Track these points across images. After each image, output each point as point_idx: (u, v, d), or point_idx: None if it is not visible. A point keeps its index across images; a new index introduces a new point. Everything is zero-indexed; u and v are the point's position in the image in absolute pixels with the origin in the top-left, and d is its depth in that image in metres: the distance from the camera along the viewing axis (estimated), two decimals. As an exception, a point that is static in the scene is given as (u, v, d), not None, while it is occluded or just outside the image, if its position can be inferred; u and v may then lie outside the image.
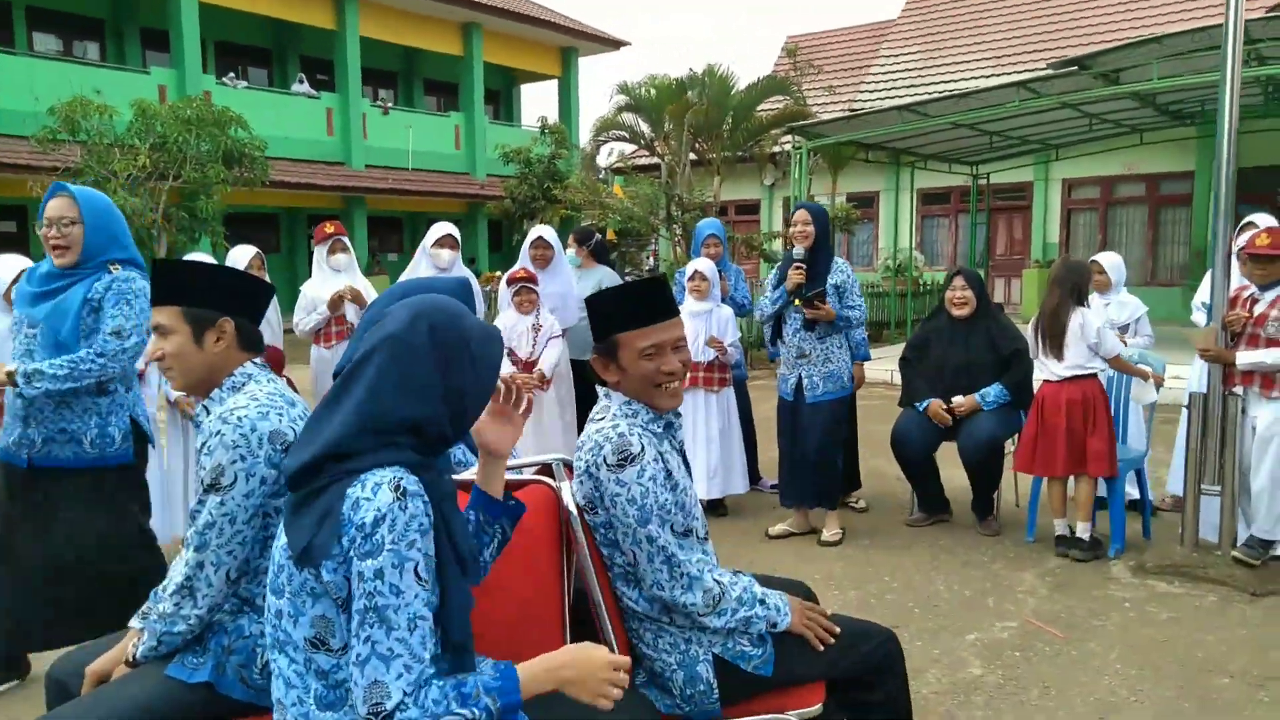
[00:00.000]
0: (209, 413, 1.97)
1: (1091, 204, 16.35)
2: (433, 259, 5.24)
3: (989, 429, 4.66)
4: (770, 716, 2.09)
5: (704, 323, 5.17)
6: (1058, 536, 4.49)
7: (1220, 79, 4.16)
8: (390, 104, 21.58)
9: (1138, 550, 4.45)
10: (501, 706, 1.48)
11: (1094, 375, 4.39)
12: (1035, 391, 4.60)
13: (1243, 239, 4.21)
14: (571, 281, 5.55)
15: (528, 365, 5.24)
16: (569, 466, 2.14)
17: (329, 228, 5.51)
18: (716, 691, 2.06)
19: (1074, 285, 4.37)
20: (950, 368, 4.82)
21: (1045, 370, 4.46)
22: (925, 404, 4.80)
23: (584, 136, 19.43)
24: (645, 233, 19.60)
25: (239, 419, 1.88)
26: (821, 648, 2.08)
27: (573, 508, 2.05)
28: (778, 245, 16.69)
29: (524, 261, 5.44)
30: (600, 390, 2.16)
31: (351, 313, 5.31)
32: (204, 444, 1.89)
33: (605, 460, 1.98)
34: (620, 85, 13.89)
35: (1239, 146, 14.40)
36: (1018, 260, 17.12)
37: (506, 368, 5.28)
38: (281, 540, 1.54)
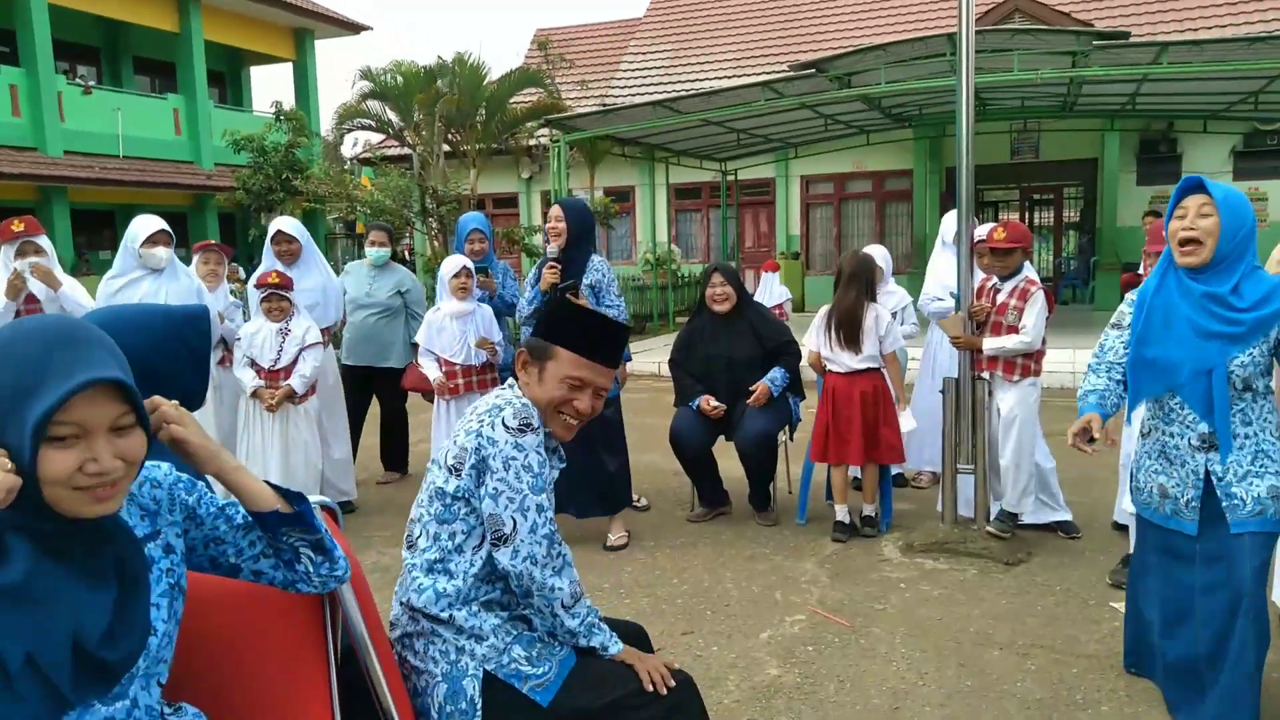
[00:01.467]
0: None
1: (827, 199, 17.56)
2: (145, 260, 4.48)
3: (763, 423, 4.69)
4: None
5: (470, 323, 4.83)
6: (837, 522, 4.61)
7: (957, 83, 4.39)
8: (93, 83, 19.02)
9: (904, 529, 4.67)
10: None
11: (879, 368, 4.54)
12: (821, 383, 4.69)
13: (981, 233, 4.50)
14: (329, 274, 5.01)
15: (272, 375, 4.65)
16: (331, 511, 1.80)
17: (17, 224, 4.60)
18: (480, 714, 1.79)
19: (867, 280, 4.49)
20: (719, 364, 4.80)
21: (836, 363, 4.56)
22: (696, 401, 4.77)
23: (325, 124, 18.18)
24: (399, 226, 18.72)
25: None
26: (650, 687, 1.85)
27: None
28: (538, 240, 16.51)
29: (268, 260, 4.82)
30: (507, 382, 2.08)
31: (41, 291, 4.44)
32: None
33: (504, 421, 1.90)
34: (363, 70, 13.07)
35: (948, 148, 15.94)
36: (765, 252, 18.05)
37: (249, 377, 4.66)
38: None
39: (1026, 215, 18.62)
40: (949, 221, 5.08)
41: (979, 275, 4.42)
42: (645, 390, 8.73)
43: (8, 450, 1.16)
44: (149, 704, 1.34)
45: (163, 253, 4.50)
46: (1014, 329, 4.25)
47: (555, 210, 4.49)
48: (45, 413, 1.15)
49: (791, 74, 10.00)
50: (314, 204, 16.26)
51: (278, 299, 4.66)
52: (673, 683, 1.91)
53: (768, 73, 17.20)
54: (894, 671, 3.23)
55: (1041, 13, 14.23)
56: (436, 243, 15.02)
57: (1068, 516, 4.61)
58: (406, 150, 15.63)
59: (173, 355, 1.79)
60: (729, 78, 17.52)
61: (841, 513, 4.62)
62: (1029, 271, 4.34)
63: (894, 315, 5.28)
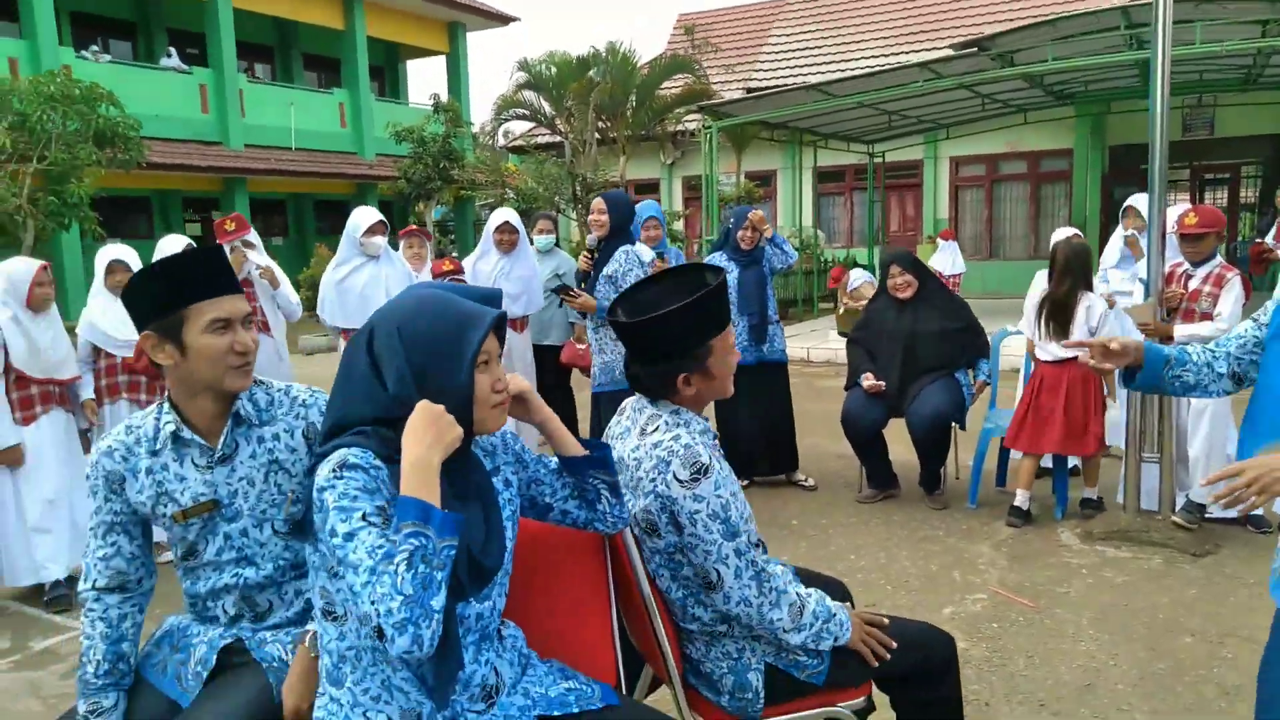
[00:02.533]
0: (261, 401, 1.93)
1: (978, 181, 17.04)
2: (365, 248, 4.94)
3: (936, 404, 4.75)
4: (818, 711, 2.04)
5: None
6: (1014, 507, 4.63)
7: (1152, 57, 4.30)
8: (267, 79, 20.50)
9: (1081, 517, 4.64)
10: (414, 521, 1.37)
11: None
12: (1030, 371, 4.72)
13: (1170, 219, 4.40)
14: (535, 266, 5.39)
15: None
16: None
17: (229, 225, 5.03)
18: (762, 701, 2.00)
19: (1082, 269, 4.45)
20: (899, 339, 4.89)
21: (1045, 351, 4.55)
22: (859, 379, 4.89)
23: (475, 113, 18.99)
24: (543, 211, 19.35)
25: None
26: (876, 664, 2.03)
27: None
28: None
29: (487, 246, 5.25)
30: (632, 402, 2.03)
31: (262, 294, 4.95)
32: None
33: (675, 476, 1.83)
34: (520, 62, 13.60)
35: (1114, 125, 15.19)
36: (910, 236, 17.70)
37: None
38: None
39: (1197, 196, 17.48)
40: (1133, 204, 4.95)
41: (1169, 260, 4.34)
42: (795, 375, 8.82)
43: (446, 399, 1.48)
44: (499, 609, 1.67)
45: (380, 240, 4.94)
46: (1207, 316, 4.16)
47: (598, 203, 4.56)
48: (479, 341, 1.51)
49: (952, 53, 9.80)
50: (469, 191, 17.03)
51: (460, 281, 5.05)
52: (893, 645, 2.05)
53: (913, 53, 16.79)
54: (1083, 651, 3.28)
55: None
56: (583, 229, 15.50)
57: (1259, 510, 4.47)
58: (556, 138, 16.15)
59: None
60: (874, 58, 17.20)
61: (1022, 498, 4.63)
62: (1222, 257, 4.23)
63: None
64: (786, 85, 16.40)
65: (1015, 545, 4.37)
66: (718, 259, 5.25)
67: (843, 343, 10.42)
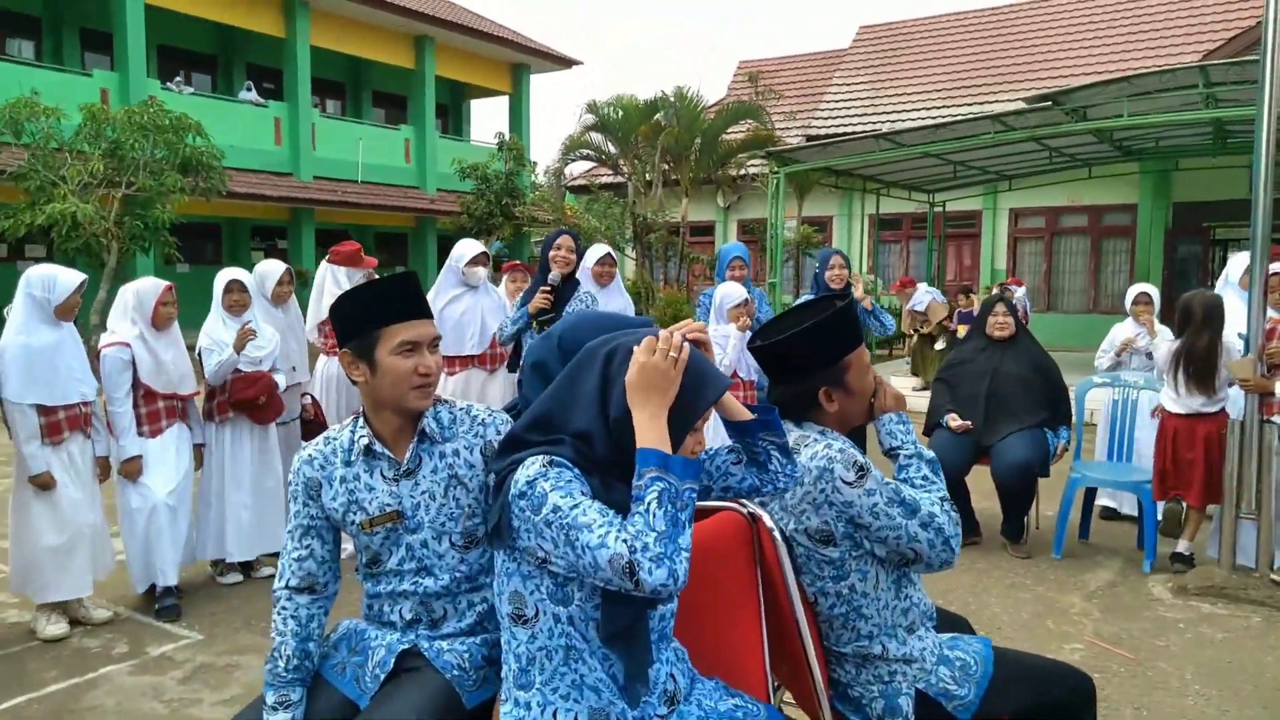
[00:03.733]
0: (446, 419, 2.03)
1: (1037, 233, 16.96)
2: (467, 278, 5.10)
3: (1022, 452, 4.75)
4: None
5: (741, 345, 5.18)
6: (1177, 554, 4.67)
7: (1257, 113, 4.32)
8: (337, 114, 21.17)
9: (1173, 572, 4.59)
10: (655, 467, 1.51)
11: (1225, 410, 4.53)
12: (1159, 422, 4.75)
13: (1275, 269, 4.40)
14: (629, 299, 5.55)
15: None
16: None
17: (352, 249, 5.24)
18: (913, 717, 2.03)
19: (1221, 321, 4.45)
20: (985, 378, 4.94)
21: (1179, 404, 4.56)
22: (944, 419, 4.91)
23: (535, 152, 19.39)
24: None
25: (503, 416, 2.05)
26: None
27: (772, 525, 2.01)
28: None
29: (585, 279, 5.38)
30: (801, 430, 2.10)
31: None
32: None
33: (843, 480, 1.93)
34: (589, 105, 13.93)
35: (1179, 182, 15.00)
36: (967, 285, 17.61)
37: None
38: None
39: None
40: (1236, 262, 4.94)
41: (1270, 314, 4.33)
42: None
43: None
44: (673, 610, 1.78)
45: (481, 271, 5.11)
46: (1309, 372, 4.14)
47: (565, 240, 4.63)
48: (714, 400, 1.67)
49: (1025, 106, 9.86)
50: (527, 227, 17.36)
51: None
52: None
53: (967, 104, 16.87)
54: (1191, 705, 3.25)
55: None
56: (643, 269, 15.69)
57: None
58: (619, 179, 16.44)
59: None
60: (933, 108, 17.31)
61: (1184, 546, 4.67)
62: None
63: None
64: (846, 132, 16.56)
65: (1106, 598, 4.33)
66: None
67: (908, 384, 10.42)
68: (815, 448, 1.99)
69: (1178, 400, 4.56)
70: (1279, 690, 3.37)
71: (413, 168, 22.09)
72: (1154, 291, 5.63)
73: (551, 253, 4.64)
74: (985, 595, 4.36)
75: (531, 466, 1.59)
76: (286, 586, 1.97)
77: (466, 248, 5.13)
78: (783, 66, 22.35)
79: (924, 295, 10.96)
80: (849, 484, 1.93)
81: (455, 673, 1.91)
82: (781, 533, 2.02)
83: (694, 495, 1.52)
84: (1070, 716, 2.13)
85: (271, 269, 4.81)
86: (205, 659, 3.66)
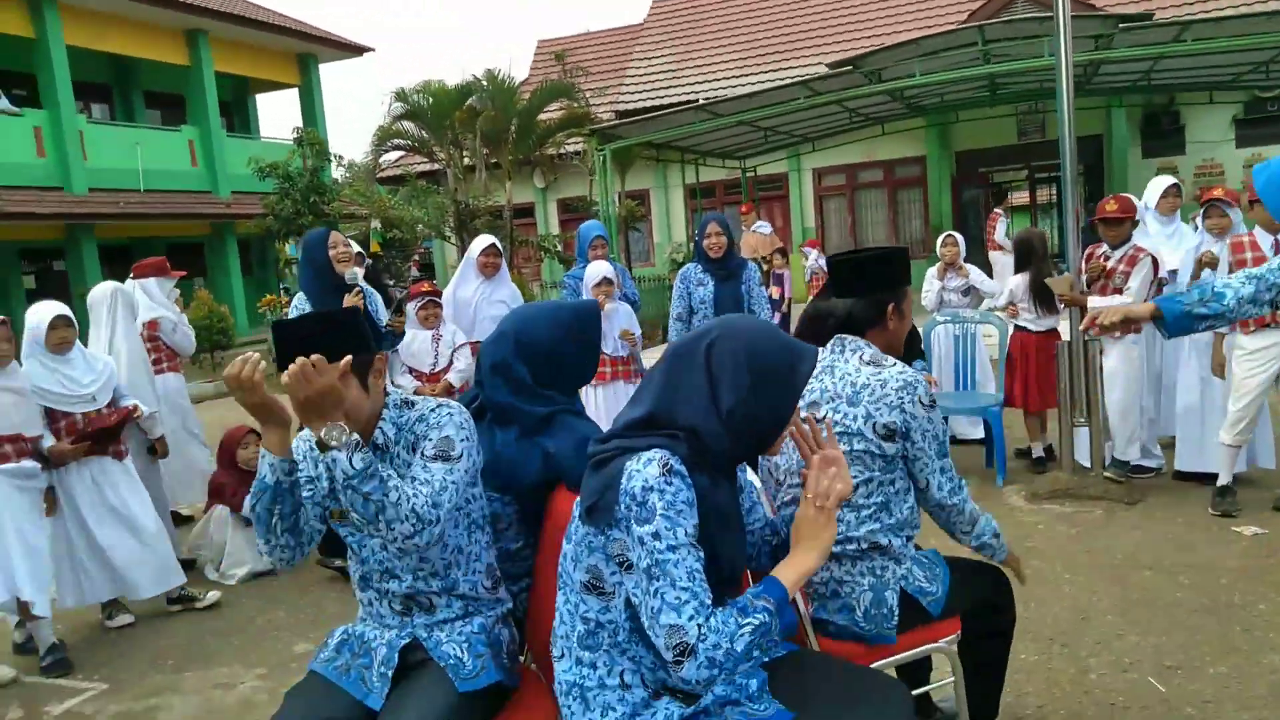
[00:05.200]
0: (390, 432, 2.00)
1: (840, 190, 18.05)
2: (481, 269, 5.21)
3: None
4: (938, 644, 2.31)
5: (613, 321, 5.26)
6: (1038, 458, 5.43)
7: (1056, 64, 4.86)
8: (106, 119, 19.32)
9: (1024, 480, 5.13)
10: (776, 602, 1.62)
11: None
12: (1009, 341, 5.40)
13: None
14: (515, 291, 5.52)
15: (432, 378, 5.07)
16: None
17: (159, 260, 5.52)
18: (896, 619, 2.22)
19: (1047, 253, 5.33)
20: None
21: (1037, 324, 5.27)
22: None
23: (336, 145, 18.55)
24: (411, 242, 19.05)
25: (458, 408, 2.01)
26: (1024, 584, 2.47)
27: (758, 483, 2.20)
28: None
29: (469, 270, 5.28)
30: (831, 344, 2.33)
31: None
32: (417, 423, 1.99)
33: (921, 399, 2.20)
34: (397, 93, 13.44)
35: (959, 133, 16.31)
36: (781, 247, 18.50)
37: (409, 383, 5.07)
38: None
39: (1034, 193, 19.14)
40: (1154, 186, 5.26)
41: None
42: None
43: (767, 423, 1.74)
44: None
45: (496, 263, 5.29)
46: (1119, 291, 4.71)
47: (336, 236, 4.68)
48: (808, 375, 1.77)
49: (829, 72, 10.46)
50: (345, 225, 16.60)
51: (434, 305, 5.07)
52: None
53: (770, 71, 17.68)
54: (1068, 593, 3.67)
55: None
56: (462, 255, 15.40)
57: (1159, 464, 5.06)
58: (434, 166, 16.02)
59: (575, 342, 2.25)
60: (734, 77, 17.99)
61: (1036, 449, 5.44)
62: (1138, 240, 4.79)
63: None
64: (654, 105, 16.91)
65: (973, 512, 4.78)
66: (692, 271, 5.17)
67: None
68: (900, 367, 2.25)
69: (1036, 320, 5.24)
70: (1131, 569, 3.87)
71: (201, 171, 20.53)
72: (959, 235, 6.18)
73: (331, 252, 4.56)
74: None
75: (650, 467, 1.61)
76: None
77: (480, 241, 5.29)
78: (583, 44, 22.45)
79: (764, 225, 11.46)
80: (924, 405, 2.20)
81: (453, 662, 1.92)
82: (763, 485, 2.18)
83: (775, 645, 1.64)
84: (1003, 604, 2.46)
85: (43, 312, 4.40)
86: (119, 707, 3.38)
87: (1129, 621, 3.38)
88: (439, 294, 5.12)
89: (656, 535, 1.57)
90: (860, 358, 2.27)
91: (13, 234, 16.78)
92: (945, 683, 2.45)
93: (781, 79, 14.33)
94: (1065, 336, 4.88)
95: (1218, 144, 15.26)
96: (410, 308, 5.16)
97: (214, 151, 20.48)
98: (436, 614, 1.98)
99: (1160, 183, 5.26)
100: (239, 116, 23.82)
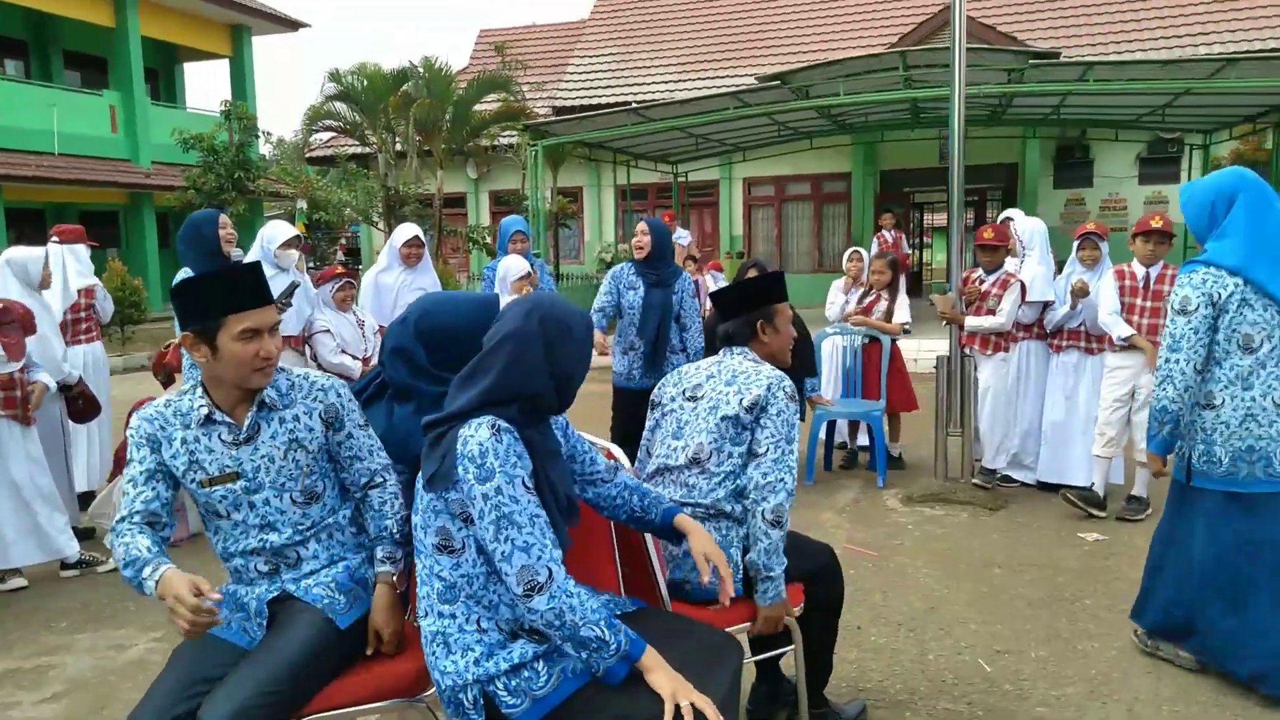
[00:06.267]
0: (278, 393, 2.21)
1: (768, 200, 18.50)
2: (279, 260, 4.88)
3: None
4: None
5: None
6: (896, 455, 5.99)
7: (950, 93, 5.19)
8: (20, 77, 18.60)
9: (902, 485, 5.49)
10: (625, 652, 1.82)
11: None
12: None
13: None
14: (436, 278, 5.60)
15: (365, 362, 5.16)
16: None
17: (78, 228, 5.48)
18: (742, 571, 2.50)
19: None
20: None
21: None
22: None
23: (266, 122, 18.22)
24: (337, 225, 18.86)
25: (341, 382, 2.29)
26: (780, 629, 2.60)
27: (625, 461, 2.46)
28: (489, 239, 16.95)
29: (393, 258, 5.36)
30: (734, 348, 2.69)
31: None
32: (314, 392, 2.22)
33: (785, 390, 2.52)
34: (331, 73, 13.37)
35: (885, 153, 16.95)
36: (709, 251, 18.88)
37: (351, 364, 5.13)
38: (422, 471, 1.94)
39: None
40: (1024, 224, 5.38)
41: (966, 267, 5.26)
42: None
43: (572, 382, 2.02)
44: None
45: (294, 255, 4.92)
46: (992, 312, 5.10)
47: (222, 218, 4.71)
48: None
49: (758, 84, 10.80)
50: (270, 203, 16.38)
51: (349, 287, 5.15)
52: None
53: (708, 79, 18.03)
54: (923, 585, 4.01)
55: (974, 28, 15.38)
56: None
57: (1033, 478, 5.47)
58: (365, 150, 15.91)
59: (474, 331, 2.45)
60: (673, 82, 18.29)
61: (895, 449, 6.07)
62: (1010, 267, 5.19)
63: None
64: (592, 104, 17.10)
65: (852, 511, 5.12)
66: (624, 272, 4.97)
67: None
68: (777, 372, 2.59)
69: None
70: (984, 566, 4.23)
71: (121, 138, 19.88)
72: (864, 251, 6.57)
73: (221, 231, 4.59)
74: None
75: (481, 430, 1.83)
76: (129, 520, 2.03)
77: (279, 230, 4.95)
78: (525, 36, 22.48)
79: (683, 235, 11.76)
80: (786, 395, 2.52)
81: (326, 602, 2.11)
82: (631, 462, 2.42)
83: (608, 664, 1.81)
84: (831, 576, 2.76)
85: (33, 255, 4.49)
86: (8, 665, 3.44)
87: (973, 612, 3.72)
88: (356, 275, 5.22)
89: (499, 490, 1.79)
90: (745, 358, 2.68)
91: (-88, 191, 16.07)
92: (787, 649, 2.70)
93: (720, 88, 14.67)
94: (944, 351, 5.25)
95: (1122, 180, 16.15)
96: (326, 289, 5.24)
97: (136, 119, 19.88)
98: (303, 567, 2.16)
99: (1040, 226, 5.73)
100: (165, 84, 23.13)
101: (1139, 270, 4.70)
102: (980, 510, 5.03)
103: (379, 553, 2.24)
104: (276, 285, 4.92)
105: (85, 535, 4.79)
